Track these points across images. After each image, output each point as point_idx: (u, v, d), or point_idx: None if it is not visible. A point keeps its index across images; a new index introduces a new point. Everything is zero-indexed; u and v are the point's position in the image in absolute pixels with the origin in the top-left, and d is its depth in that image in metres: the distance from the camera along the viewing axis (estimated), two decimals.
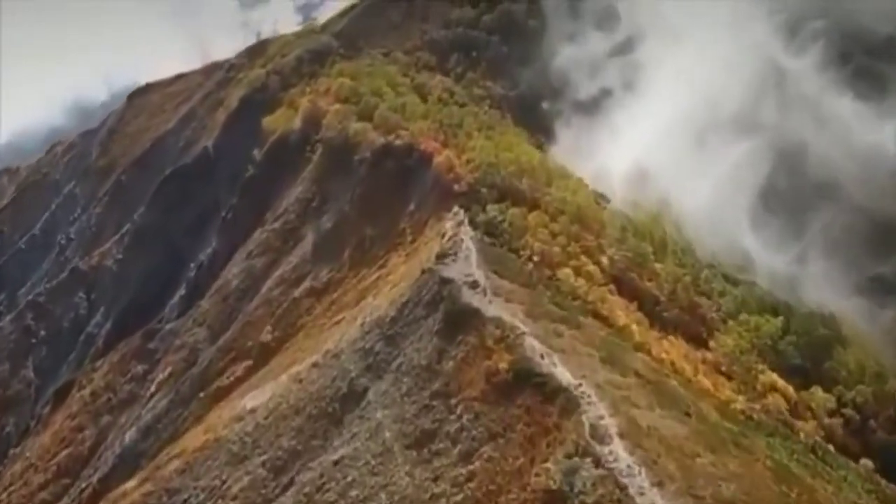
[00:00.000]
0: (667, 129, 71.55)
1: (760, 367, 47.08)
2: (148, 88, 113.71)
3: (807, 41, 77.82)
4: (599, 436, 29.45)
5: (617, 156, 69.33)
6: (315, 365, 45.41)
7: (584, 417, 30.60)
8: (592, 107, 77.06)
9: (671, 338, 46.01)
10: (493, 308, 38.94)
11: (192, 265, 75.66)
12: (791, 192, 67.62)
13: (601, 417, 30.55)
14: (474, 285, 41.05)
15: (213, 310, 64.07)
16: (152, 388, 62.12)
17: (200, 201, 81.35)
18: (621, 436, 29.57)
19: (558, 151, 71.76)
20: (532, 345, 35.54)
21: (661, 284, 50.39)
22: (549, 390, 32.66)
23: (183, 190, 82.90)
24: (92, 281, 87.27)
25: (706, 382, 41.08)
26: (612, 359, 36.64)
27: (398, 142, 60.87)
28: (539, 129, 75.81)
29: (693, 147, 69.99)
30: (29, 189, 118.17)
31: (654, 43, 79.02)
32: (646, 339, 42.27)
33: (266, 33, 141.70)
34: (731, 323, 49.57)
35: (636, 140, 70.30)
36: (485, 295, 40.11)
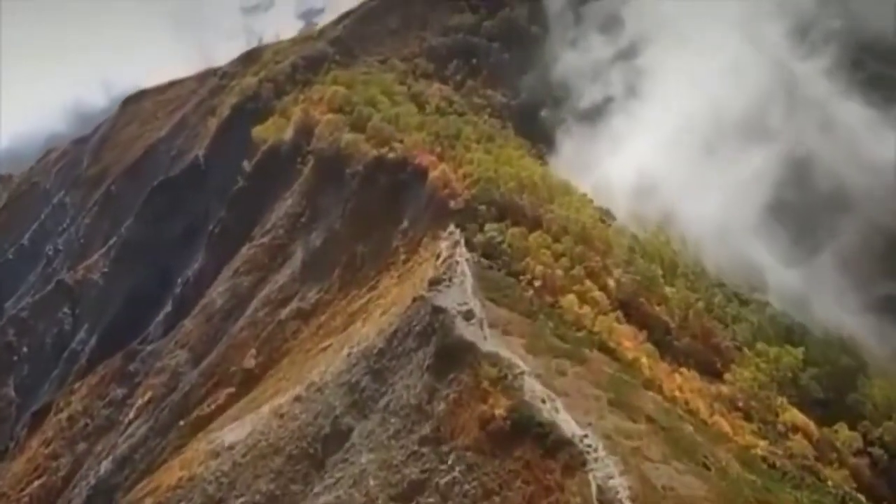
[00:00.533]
0: (672, 137, 68.28)
1: (780, 400, 43.54)
2: (142, 94, 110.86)
3: (818, 43, 74.66)
4: (608, 500, 25.93)
5: (620, 166, 66.01)
6: (298, 399, 42.02)
7: (590, 476, 27.17)
8: (595, 114, 73.84)
9: (683, 370, 42.42)
10: (489, 343, 35.54)
11: (178, 280, 72.48)
12: (801, 204, 64.46)
13: (610, 476, 27.05)
14: (469, 315, 37.64)
15: (197, 331, 60.70)
16: (131, 415, 58.75)
17: (190, 213, 78.18)
18: (633, 500, 26.06)
19: (560, 162, 68.45)
20: (532, 387, 32.14)
21: (671, 310, 46.88)
22: (551, 442, 29.26)
23: (172, 201, 79.75)
24: (77, 295, 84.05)
25: (723, 424, 37.48)
26: (621, 401, 33.21)
27: (391, 155, 57.46)
28: (540, 138, 72.47)
29: (699, 156, 66.69)
30: (21, 197, 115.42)
31: (659, 47, 75.73)
32: (656, 375, 38.77)
33: (268, 39, 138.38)
34: (747, 352, 46.00)
35: (640, 149, 67.01)
36: (481, 327, 36.70)
